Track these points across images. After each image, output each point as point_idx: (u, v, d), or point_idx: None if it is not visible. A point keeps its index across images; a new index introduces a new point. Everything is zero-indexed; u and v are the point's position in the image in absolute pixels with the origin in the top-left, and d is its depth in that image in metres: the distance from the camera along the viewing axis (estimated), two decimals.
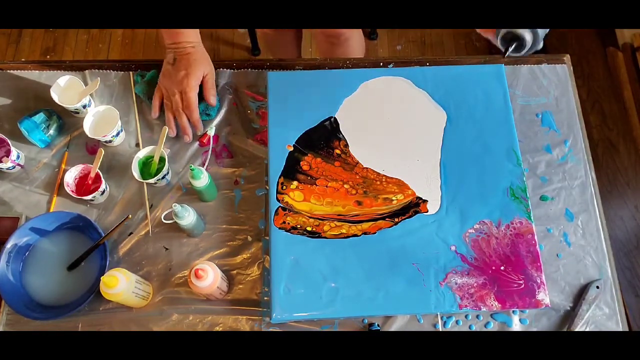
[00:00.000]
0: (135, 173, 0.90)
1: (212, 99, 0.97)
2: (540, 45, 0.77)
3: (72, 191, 0.90)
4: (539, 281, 0.86)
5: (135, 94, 1.01)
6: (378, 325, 0.86)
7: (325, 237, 0.88)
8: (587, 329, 0.87)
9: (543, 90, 1.03)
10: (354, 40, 1.38)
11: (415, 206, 0.90)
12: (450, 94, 0.98)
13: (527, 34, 0.74)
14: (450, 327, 0.87)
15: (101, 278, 0.75)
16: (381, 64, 1.04)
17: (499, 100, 0.98)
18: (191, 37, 0.95)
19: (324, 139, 0.94)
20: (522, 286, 0.85)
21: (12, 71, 1.03)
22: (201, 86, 0.97)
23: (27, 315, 0.83)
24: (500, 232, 0.89)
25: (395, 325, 0.87)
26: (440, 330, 0.87)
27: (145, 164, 0.93)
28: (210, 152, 0.97)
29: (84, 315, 0.86)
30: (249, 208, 0.94)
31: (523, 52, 0.77)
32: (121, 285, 0.76)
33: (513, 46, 0.76)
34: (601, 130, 1.67)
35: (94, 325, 0.86)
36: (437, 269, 0.86)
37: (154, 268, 0.90)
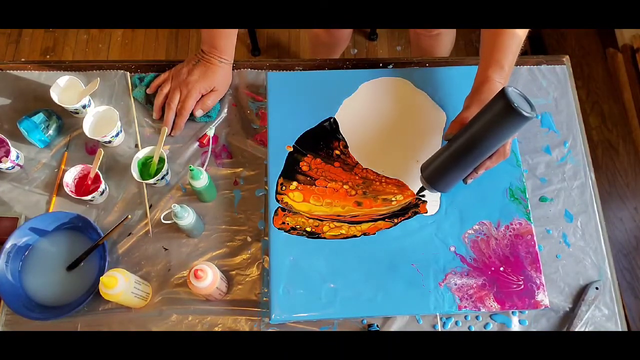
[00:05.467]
0: (135, 173, 0.90)
1: (198, 111, 0.98)
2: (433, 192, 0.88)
3: (72, 191, 0.90)
4: (538, 282, 0.86)
5: (134, 97, 1.01)
6: (377, 325, 0.86)
7: (324, 238, 0.88)
8: (587, 330, 0.87)
9: (542, 91, 1.03)
10: (445, 36, 1.38)
11: (414, 207, 0.90)
12: (450, 94, 0.98)
13: (427, 189, 0.86)
14: (450, 327, 0.87)
15: (100, 278, 0.75)
16: (381, 64, 1.04)
17: None
18: (226, 53, 0.97)
19: (323, 139, 0.94)
20: (522, 287, 0.85)
21: (11, 71, 1.03)
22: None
23: (26, 315, 0.83)
24: (499, 233, 0.89)
25: (395, 326, 0.87)
26: (440, 330, 0.87)
27: (145, 165, 0.93)
28: (209, 152, 0.97)
29: (83, 316, 0.86)
30: (248, 208, 0.94)
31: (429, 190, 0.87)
32: (120, 285, 0.76)
33: (423, 190, 0.88)
34: (601, 132, 1.67)
35: (93, 325, 0.86)
36: (437, 269, 0.86)
37: (153, 268, 0.90)
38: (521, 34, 0.84)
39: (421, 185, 0.87)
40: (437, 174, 0.83)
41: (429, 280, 0.85)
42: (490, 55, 0.84)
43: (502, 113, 0.73)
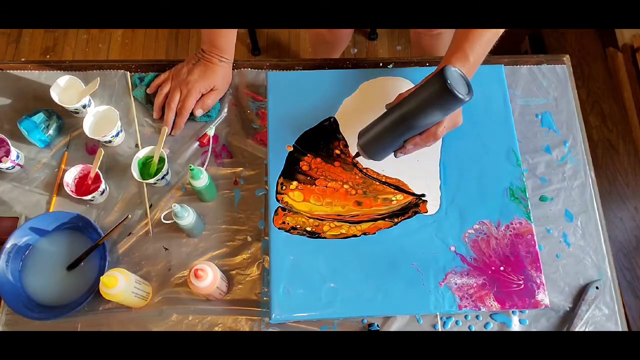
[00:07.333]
0: (135, 173, 0.90)
1: (198, 111, 0.98)
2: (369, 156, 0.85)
3: (72, 191, 0.90)
4: (538, 282, 0.86)
5: (134, 97, 1.01)
6: (377, 325, 0.86)
7: (324, 238, 0.88)
8: (587, 330, 0.87)
9: (543, 90, 1.03)
10: (446, 35, 1.37)
11: (414, 207, 0.90)
12: None
13: (361, 155, 0.85)
14: (450, 327, 0.87)
15: (100, 278, 0.75)
16: (381, 64, 1.04)
17: (499, 100, 0.98)
18: (226, 52, 0.97)
19: (323, 139, 0.94)
20: (522, 287, 0.85)
21: (11, 71, 1.03)
22: None
23: (27, 315, 0.83)
24: (499, 232, 0.89)
25: (395, 326, 0.87)
26: (440, 330, 0.87)
27: (145, 164, 0.93)
28: (209, 152, 0.97)
29: (83, 316, 0.86)
30: (248, 208, 0.94)
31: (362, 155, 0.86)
32: (120, 285, 0.76)
33: (358, 156, 0.87)
34: (601, 131, 1.67)
35: (93, 325, 0.86)
36: (437, 269, 0.86)
37: (153, 268, 0.90)
38: (495, 30, 0.83)
39: (357, 151, 0.86)
40: (370, 142, 0.83)
41: (429, 279, 0.85)
42: (459, 44, 0.83)
43: (436, 90, 0.73)
